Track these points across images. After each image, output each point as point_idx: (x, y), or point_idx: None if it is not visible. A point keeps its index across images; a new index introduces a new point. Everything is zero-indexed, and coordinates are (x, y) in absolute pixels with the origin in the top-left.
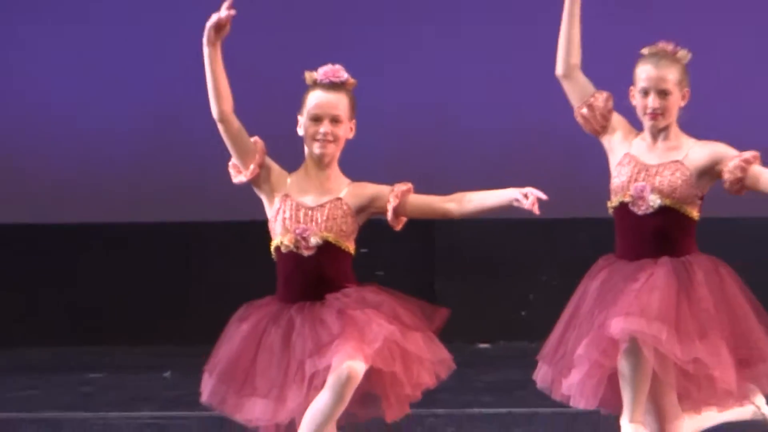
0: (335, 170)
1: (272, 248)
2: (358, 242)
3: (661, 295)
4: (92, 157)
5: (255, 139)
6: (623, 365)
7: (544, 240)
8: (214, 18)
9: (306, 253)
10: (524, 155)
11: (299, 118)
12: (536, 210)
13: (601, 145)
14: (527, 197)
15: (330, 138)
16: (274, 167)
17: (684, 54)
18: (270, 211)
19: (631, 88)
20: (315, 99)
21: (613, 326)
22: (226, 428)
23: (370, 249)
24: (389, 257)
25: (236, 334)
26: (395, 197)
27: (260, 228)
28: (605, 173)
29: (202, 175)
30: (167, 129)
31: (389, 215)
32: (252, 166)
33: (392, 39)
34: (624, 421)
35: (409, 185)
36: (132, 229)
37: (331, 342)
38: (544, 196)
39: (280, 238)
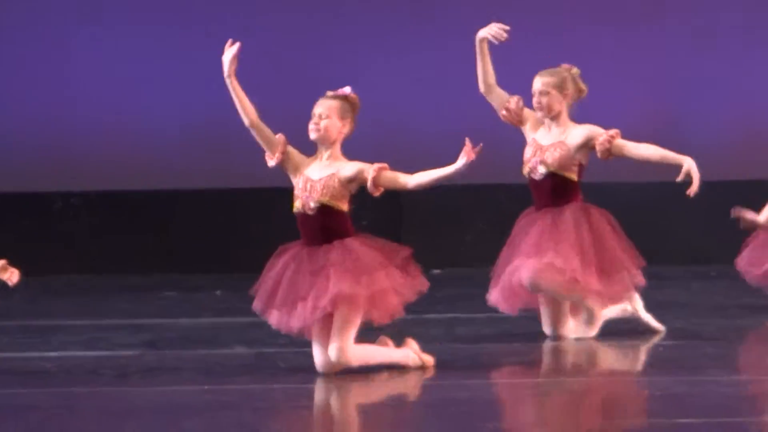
0: (336, 153)
1: (294, 210)
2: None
3: (539, 232)
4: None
5: (279, 135)
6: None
7: (476, 199)
8: (227, 55)
9: (310, 212)
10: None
11: None
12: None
13: (521, 132)
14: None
15: (316, 126)
16: (295, 154)
17: (565, 68)
18: (293, 184)
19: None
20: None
21: (522, 275)
22: (260, 328)
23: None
24: (371, 212)
25: (271, 265)
26: (374, 171)
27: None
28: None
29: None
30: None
31: (369, 185)
32: (277, 155)
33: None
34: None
35: (385, 164)
36: (195, 195)
37: (328, 270)
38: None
39: (295, 202)
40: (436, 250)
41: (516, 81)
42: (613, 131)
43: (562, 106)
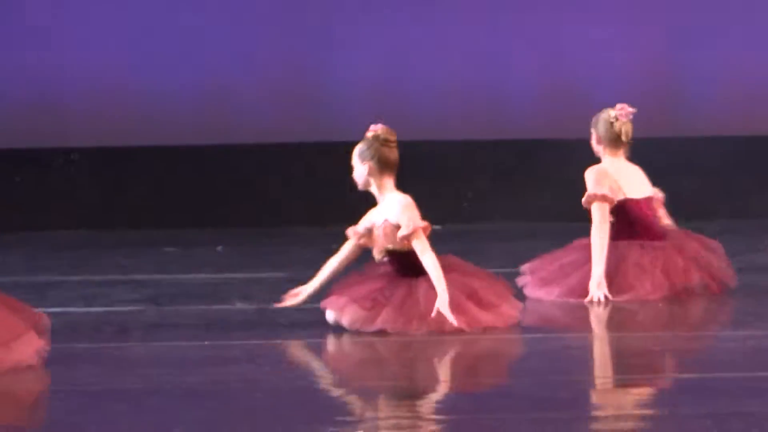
0: (382, 197)
1: None
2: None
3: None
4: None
5: (352, 235)
6: None
7: (478, 155)
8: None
9: (384, 261)
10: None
11: None
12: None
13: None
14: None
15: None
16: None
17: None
18: None
19: None
20: None
21: None
22: (260, 284)
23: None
24: None
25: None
26: (408, 230)
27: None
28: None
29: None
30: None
31: (398, 239)
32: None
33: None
34: None
35: (426, 226)
36: (196, 151)
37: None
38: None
39: None
40: (438, 206)
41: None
42: None
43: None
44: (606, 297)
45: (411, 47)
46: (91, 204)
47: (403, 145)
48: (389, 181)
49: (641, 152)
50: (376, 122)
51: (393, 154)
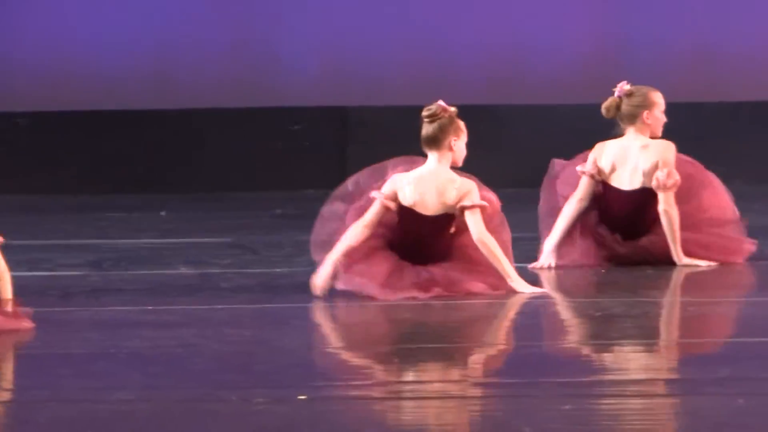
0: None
1: None
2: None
3: None
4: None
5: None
6: None
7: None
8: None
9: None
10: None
11: (455, 138)
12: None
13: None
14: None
15: None
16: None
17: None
18: None
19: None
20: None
21: None
22: (203, 249)
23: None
24: (315, 131)
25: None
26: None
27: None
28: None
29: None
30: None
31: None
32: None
33: None
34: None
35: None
36: (136, 116)
37: None
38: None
39: None
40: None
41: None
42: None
43: None
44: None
45: (357, 13)
46: (33, 169)
47: (347, 111)
48: (429, 155)
49: (588, 118)
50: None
51: (423, 129)
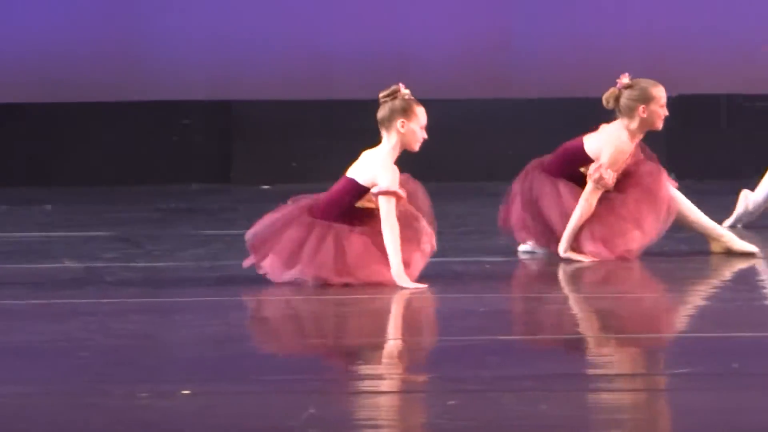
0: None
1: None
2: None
3: None
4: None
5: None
6: None
7: (309, 115)
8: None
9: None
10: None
11: (404, 121)
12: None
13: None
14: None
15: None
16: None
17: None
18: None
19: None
20: (423, 114)
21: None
22: (89, 243)
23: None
24: (202, 126)
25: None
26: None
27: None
28: None
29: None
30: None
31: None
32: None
33: None
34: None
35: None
36: (21, 109)
37: None
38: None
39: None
40: (268, 166)
41: None
42: None
43: None
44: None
45: (241, 8)
46: None
47: (232, 106)
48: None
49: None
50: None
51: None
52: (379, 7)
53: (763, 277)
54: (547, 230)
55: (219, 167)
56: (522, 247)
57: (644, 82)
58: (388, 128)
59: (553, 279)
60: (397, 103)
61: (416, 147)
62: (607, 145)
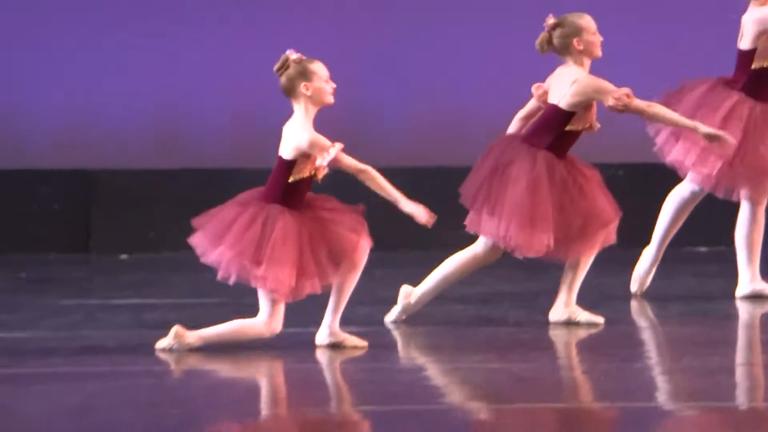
0: None
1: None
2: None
3: None
4: None
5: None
6: None
7: (165, 184)
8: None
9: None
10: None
11: (306, 83)
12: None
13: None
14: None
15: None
16: None
17: None
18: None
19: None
20: (321, 67)
21: None
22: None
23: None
24: (61, 193)
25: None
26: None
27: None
28: None
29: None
30: None
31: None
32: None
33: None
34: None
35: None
36: None
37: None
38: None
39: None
40: (126, 235)
41: None
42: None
43: None
44: None
45: (97, 75)
46: None
47: (90, 174)
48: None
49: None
50: None
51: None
52: (241, 74)
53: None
54: (504, 209)
55: (77, 237)
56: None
57: (570, 16)
58: (294, 96)
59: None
60: (291, 70)
61: (329, 99)
62: (584, 81)
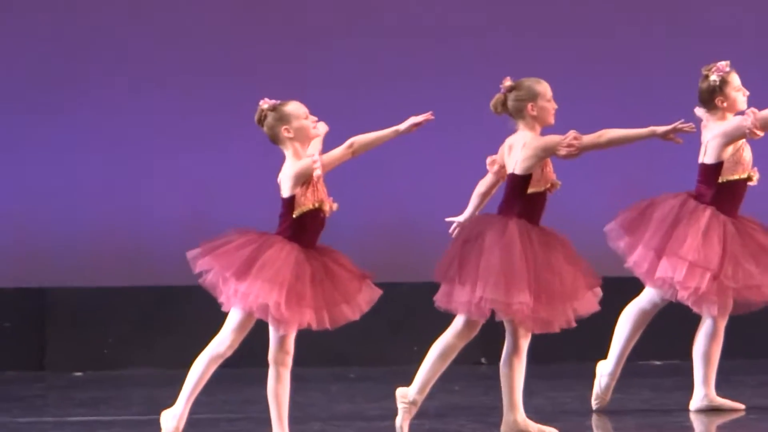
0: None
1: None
2: None
3: None
4: None
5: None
6: None
7: (119, 301)
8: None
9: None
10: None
11: (286, 127)
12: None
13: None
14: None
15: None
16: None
17: None
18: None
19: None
20: (297, 106)
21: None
22: None
23: None
24: (14, 313)
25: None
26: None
27: None
28: None
29: None
30: None
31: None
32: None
33: None
34: None
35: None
36: None
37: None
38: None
39: (316, 204)
40: (81, 352)
41: None
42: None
43: None
44: None
45: (48, 194)
46: None
47: (45, 292)
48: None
49: None
50: None
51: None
52: (198, 192)
53: None
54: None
55: (32, 354)
56: None
57: (527, 81)
58: (280, 142)
59: None
60: (269, 119)
61: (314, 133)
62: (531, 143)
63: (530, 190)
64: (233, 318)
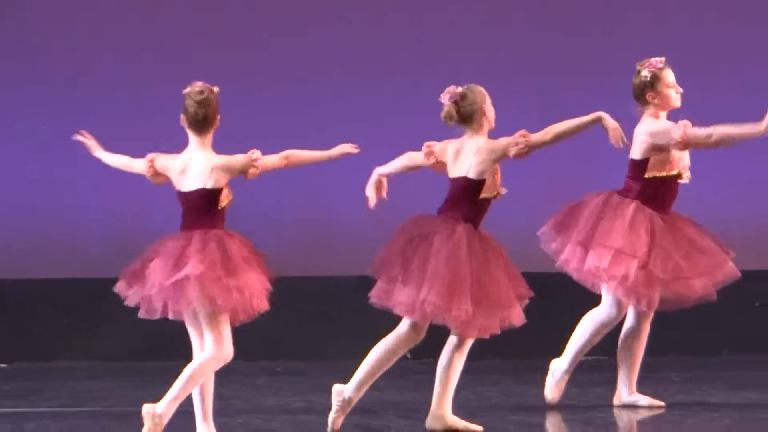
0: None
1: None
2: None
3: None
4: None
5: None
6: None
7: (50, 292)
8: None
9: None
10: None
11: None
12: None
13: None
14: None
15: None
16: None
17: None
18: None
19: None
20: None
21: None
22: None
23: None
24: None
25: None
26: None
27: None
28: None
29: None
30: None
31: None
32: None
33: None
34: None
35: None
36: None
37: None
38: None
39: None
40: (7, 344)
41: None
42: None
43: None
44: None
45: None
46: None
47: None
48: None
49: None
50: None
51: (194, 113)
52: (128, 188)
53: None
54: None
55: None
56: None
57: (473, 86)
58: (199, 132)
59: None
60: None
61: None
62: (485, 147)
63: (481, 196)
64: (208, 329)
